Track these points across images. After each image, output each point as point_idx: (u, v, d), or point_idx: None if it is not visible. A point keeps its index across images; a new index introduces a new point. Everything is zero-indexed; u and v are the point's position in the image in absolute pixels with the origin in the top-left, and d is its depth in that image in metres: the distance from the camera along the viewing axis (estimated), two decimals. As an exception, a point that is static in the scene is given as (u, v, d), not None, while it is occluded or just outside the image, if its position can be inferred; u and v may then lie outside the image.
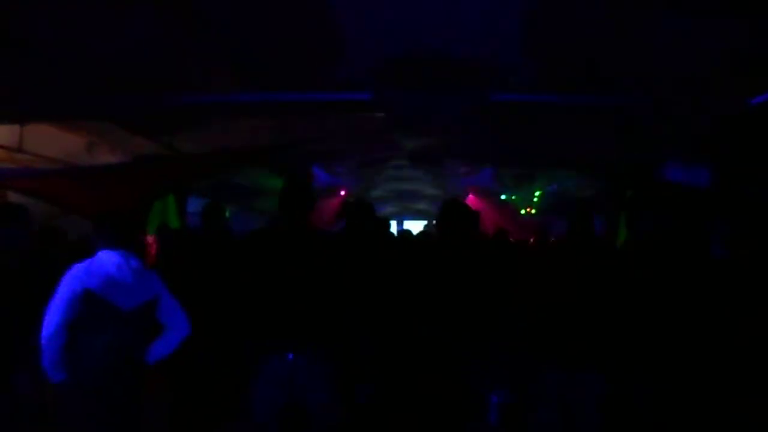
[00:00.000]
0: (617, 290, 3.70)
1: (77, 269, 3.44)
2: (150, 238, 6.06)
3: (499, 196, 14.24)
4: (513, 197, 14.49)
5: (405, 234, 7.25)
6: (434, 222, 4.36)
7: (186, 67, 5.92)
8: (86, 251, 3.63)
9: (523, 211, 14.29)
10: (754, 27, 4.82)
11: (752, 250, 3.99)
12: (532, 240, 8.27)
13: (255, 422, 3.52)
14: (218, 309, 4.08)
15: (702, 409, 3.53)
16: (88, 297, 3.39)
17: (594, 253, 3.99)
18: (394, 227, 15.55)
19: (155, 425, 4.25)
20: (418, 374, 3.88)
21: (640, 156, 7.73)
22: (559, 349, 3.71)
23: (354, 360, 3.80)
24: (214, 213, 4.94)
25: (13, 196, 6.18)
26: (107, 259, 3.53)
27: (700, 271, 3.76)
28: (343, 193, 12.68)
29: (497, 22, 5.23)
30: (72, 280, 3.40)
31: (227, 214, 5.39)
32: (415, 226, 13.54)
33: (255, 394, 3.53)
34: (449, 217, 4.05)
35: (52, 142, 6.78)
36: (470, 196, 13.17)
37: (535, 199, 14.03)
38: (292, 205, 3.69)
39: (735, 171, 6.67)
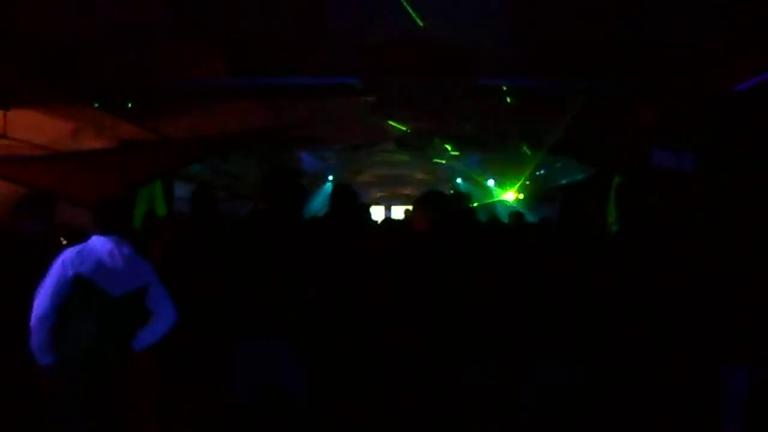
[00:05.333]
0: (607, 279, 3.70)
1: (68, 254, 3.45)
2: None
3: (486, 182, 14.26)
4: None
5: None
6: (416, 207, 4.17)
7: (171, 51, 5.86)
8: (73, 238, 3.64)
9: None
10: (738, 13, 4.84)
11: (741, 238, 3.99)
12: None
13: (236, 404, 3.57)
14: (209, 295, 4.07)
15: (690, 400, 3.56)
16: (79, 282, 3.39)
17: (584, 241, 3.98)
18: (382, 213, 15.57)
19: (141, 409, 4.25)
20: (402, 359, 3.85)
21: (627, 141, 7.75)
22: (545, 336, 3.71)
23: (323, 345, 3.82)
24: (203, 199, 4.92)
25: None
26: (99, 245, 3.54)
27: (689, 258, 3.77)
28: None
29: (486, 5, 5.21)
30: (63, 265, 3.41)
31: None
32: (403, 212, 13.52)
33: (233, 377, 3.58)
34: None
35: (37, 128, 6.68)
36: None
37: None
38: (281, 192, 3.68)
39: (720, 156, 6.71)
